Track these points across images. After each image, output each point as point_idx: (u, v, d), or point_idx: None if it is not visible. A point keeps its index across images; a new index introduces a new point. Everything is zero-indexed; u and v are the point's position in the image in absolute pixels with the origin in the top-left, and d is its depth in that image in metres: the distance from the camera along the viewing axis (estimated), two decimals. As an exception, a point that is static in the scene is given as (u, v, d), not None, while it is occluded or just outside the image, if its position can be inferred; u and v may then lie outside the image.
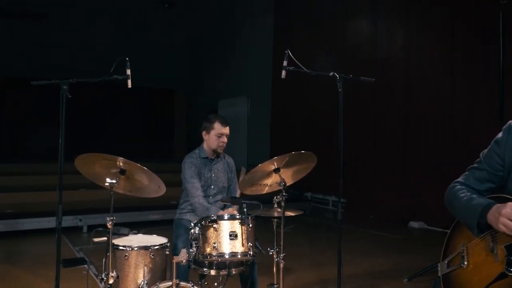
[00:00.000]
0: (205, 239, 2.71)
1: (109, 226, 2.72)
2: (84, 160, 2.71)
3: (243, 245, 2.69)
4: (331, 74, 2.89)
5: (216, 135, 3.52)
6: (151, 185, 2.89)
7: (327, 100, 9.58)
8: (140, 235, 3.26)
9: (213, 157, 3.63)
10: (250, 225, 2.74)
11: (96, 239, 3.00)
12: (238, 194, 3.66)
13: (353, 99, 8.40)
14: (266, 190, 3.12)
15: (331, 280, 4.61)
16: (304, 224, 7.72)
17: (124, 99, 12.58)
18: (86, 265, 4.99)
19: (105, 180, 2.71)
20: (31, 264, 5.09)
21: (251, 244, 2.71)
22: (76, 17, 12.66)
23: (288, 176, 3.01)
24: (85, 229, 6.88)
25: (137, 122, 13.21)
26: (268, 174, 3.00)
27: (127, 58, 2.91)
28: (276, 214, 3.16)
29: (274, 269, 3.18)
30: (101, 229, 2.87)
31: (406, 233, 7.40)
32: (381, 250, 6.08)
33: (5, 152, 10.91)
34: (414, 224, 7.85)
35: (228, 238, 2.67)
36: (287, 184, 2.91)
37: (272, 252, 3.14)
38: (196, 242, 2.71)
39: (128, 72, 2.93)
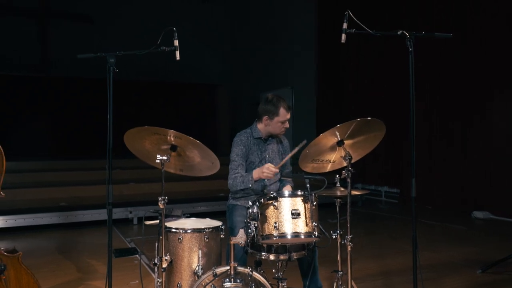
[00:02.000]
0: (264, 219, 2.46)
1: (161, 206, 2.53)
2: (133, 136, 2.53)
3: (306, 224, 2.42)
4: (399, 32, 2.56)
5: (280, 121, 3.23)
6: (204, 162, 2.67)
7: (380, 85, 9.16)
8: (193, 218, 3.06)
9: (266, 138, 3.38)
10: (314, 203, 2.47)
11: (148, 222, 2.82)
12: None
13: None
14: (329, 167, 2.84)
15: (395, 271, 4.27)
16: (357, 215, 7.35)
17: (166, 95, 12.62)
18: (137, 255, 4.91)
19: (156, 158, 2.52)
20: (85, 254, 5.05)
21: (315, 224, 2.44)
22: (121, 18, 12.79)
23: (354, 150, 2.71)
24: (135, 221, 6.85)
25: (179, 118, 13.20)
26: (331, 148, 2.72)
27: (174, 28, 2.71)
28: (339, 193, 2.87)
29: (339, 255, 2.89)
30: (153, 211, 2.69)
31: (469, 223, 6.89)
32: (445, 241, 5.65)
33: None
34: (478, 214, 7.32)
35: (290, 216, 2.41)
36: (353, 160, 2.61)
37: (335, 235, 2.86)
38: (255, 222, 2.47)
39: (176, 43, 2.72)
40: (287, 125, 3.27)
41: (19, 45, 12.02)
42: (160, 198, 2.53)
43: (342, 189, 2.92)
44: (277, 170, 2.91)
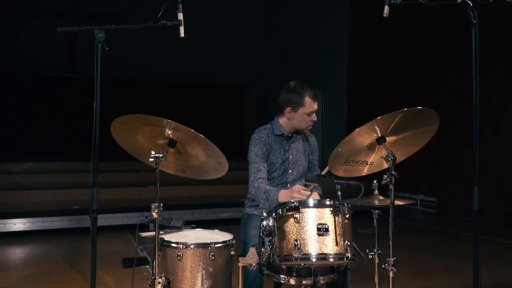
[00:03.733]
0: (282, 235, 1.93)
1: (154, 215, 2.04)
2: (122, 127, 2.05)
3: (337, 243, 1.87)
4: (459, 0, 2.00)
5: (306, 113, 2.69)
6: (209, 161, 2.17)
7: (416, 82, 8.47)
8: (199, 230, 2.56)
9: (290, 134, 2.84)
10: (347, 216, 1.92)
11: (144, 234, 2.33)
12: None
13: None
14: (366, 171, 2.29)
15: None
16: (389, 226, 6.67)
17: (192, 97, 12.23)
18: (148, 266, 4.46)
19: (150, 155, 2.03)
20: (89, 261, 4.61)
21: (348, 243, 1.89)
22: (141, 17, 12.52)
23: (397, 149, 2.14)
24: (151, 226, 6.40)
25: (206, 121, 12.78)
26: (369, 147, 2.16)
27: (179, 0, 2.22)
28: (377, 203, 2.32)
29: (376, 277, 2.34)
30: (147, 219, 2.20)
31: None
32: (493, 257, 4.94)
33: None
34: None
35: (316, 233, 1.86)
36: (398, 160, 2.05)
37: (372, 254, 2.31)
38: (270, 238, 1.93)
39: (180, 16, 2.24)
40: (314, 117, 2.73)
41: (48, 46, 11.92)
42: (153, 206, 2.04)
43: (381, 197, 2.36)
44: (309, 193, 2.37)
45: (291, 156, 2.80)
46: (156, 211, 2.03)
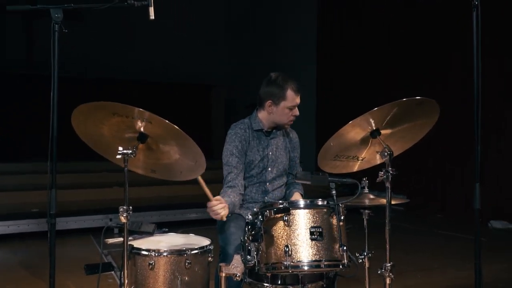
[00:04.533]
0: (270, 240, 1.71)
1: (123, 220, 1.78)
2: (85, 118, 1.77)
3: (331, 248, 1.67)
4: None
5: (288, 107, 2.48)
6: (184, 160, 1.92)
7: (387, 74, 8.40)
8: (172, 234, 2.31)
9: (269, 130, 2.63)
10: (342, 217, 1.72)
11: (111, 241, 2.07)
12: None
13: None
14: (357, 167, 2.10)
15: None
16: (363, 223, 6.57)
17: (156, 96, 11.83)
18: (113, 272, 4.16)
19: (117, 151, 1.77)
20: (56, 269, 4.25)
21: (344, 248, 1.69)
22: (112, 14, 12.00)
23: (392, 143, 1.96)
24: (116, 230, 6.06)
25: (170, 121, 12.36)
26: (362, 142, 1.97)
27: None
28: (367, 202, 2.14)
29: (367, 283, 2.16)
30: (115, 225, 1.94)
31: (487, 234, 6.14)
32: (466, 255, 4.90)
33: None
34: (496, 224, 6.60)
35: (309, 237, 1.66)
36: (394, 155, 1.87)
37: (362, 258, 2.13)
38: (257, 244, 1.71)
39: (150, -5, 1.98)
40: (296, 112, 2.53)
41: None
42: (121, 209, 1.78)
43: (371, 196, 2.19)
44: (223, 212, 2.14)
45: (270, 153, 2.58)
46: (124, 215, 1.77)
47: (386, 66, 8.37)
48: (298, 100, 2.52)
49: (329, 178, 1.71)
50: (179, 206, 6.54)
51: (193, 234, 2.30)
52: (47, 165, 1.90)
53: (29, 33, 11.45)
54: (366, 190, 2.19)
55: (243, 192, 2.47)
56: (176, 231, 2.39)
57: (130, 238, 2.08)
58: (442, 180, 7.55)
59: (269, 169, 2.58)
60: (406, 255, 4.88)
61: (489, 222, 6.72)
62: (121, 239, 1.97)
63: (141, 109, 1.67)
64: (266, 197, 2.54)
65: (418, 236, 6.02)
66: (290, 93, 2.47)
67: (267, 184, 2.56)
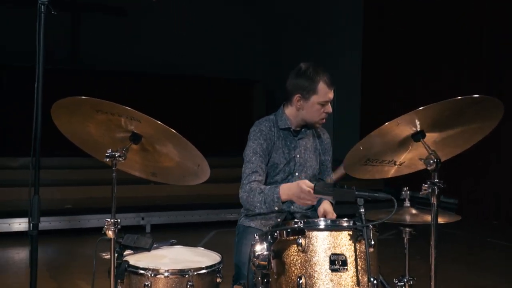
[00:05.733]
0: (281, 268, 1.37)
1: (109, 235, 1.50)
2: (70, 116, 1.51)
3: (358, 283, 1.32)
4: None
5: (320, 102, 2.14)
6: (185, 163, 1.62)
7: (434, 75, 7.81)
8: (179, 247, 2.02)
9: (298, 129, 2.28)
10: (373, 242, 1.36)
11: (106, 255, 1.80)
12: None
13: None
14: (393, 172, 1.72)
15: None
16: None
17: (196, 91, 11.70)
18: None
19: (106, 152, 1.49)
20: (75, 270, 4.11)
21: (374, 281, 1.34)
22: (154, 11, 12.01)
23: (439, 148, 1.56)
24: (148, 228, 5.92)
25: (210, 117, 12.21)
26: (400, 144, 1.60)
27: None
28: (409, 219, 1.76)
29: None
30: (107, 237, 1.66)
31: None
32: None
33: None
34: None
35: (328, 267, 1.31)
36: (441, 161, 1.48)
37: (402, 286, 1.76)
38: (264, 272, 1.38)
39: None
40: (329, 109, 2.17)
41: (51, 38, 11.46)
42: (107, 222, 1.50)
43: (413, 211, 1.81)
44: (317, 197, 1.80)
45: (298, 156, 2.23)
46: (112, 228, 1.50)
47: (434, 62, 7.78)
48: (331, 95, 2.17)
49: (357, 193, 1.36)
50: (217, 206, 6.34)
51: (202, 248, 2.00)
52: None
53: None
54: (407, 204, 1.82)
55: None
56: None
57: (128, 252, 1.82)
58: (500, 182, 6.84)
59: (296, 174, 2.23)
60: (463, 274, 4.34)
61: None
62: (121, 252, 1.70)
63: (126, 107, 1.38)
64: (292, 206, 2.21)
65: (471, 246, 5.46)
66: (322, 86, 2.13)
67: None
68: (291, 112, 2.23)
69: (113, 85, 10.46)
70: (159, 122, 1.42)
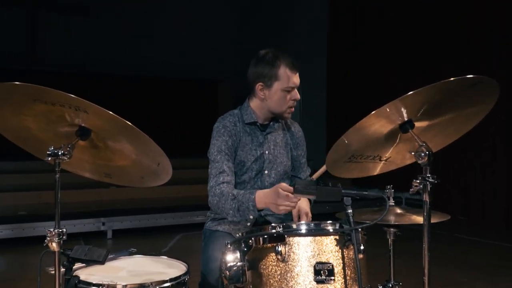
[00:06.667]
0: (258, 281, 1.18)
1: (53, 248, 1.27)
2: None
3: (346, 295, 1.14)
4: None
5: (284, 89, 1.96)
6: (143, 160, 1.40)
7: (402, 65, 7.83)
8: (138, 257, 1.79)
9: (265, 123, 2.09)
10: (362, 248, 1.19)
11: (52, 270, 1.55)
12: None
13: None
14: (378, 169, 1.56)
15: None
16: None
17: (160, 92, 11.42)
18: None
19: (48, 150, 1.26)
20: (30, 282, 3.78)
21: (365, 292, 1.16)
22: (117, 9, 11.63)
23: (429, 138, 1.41)
24: (109, 234, 5.61)
25: (175, 117, 11.95)
26: (387, 138, 1.44)
27: None
28: (393, 219, 1.60)
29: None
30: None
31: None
32: (506, 264, 4.32)
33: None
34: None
35: (313, 277, 1.13)
36: (433, 152, 1.33)
37: (386, 291, 1.61)
38: (239, 284, 1.19)
39: None
40: (296, 95, 1.98)
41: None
42: (50, 233, 1.27)
43: (399, 210, 1.65)
44: (298, 199, 1.60)
45: (267, 152, 2.04)
46: (56, 240, 1.26)
47: (406, 51, 7.77)
48: (296, 80, 1.96)
49: (343, 191, 1.17)
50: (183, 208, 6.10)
51: (165, 257, 1.78)
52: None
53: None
54: (392, 202, 1.66)
55: None
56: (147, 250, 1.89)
57: (79, 264, 1.58)
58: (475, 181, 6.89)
59: (266, 172, 2.04)
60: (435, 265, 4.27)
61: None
62: (63, 269, 1.46)
63: (71, 95, 1.15)
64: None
65: (444, 243, 5.44)
66: (283, 70, 1.93)
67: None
68: (256, 105, 2.03)
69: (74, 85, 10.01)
70: (110, 112, 1.20)
